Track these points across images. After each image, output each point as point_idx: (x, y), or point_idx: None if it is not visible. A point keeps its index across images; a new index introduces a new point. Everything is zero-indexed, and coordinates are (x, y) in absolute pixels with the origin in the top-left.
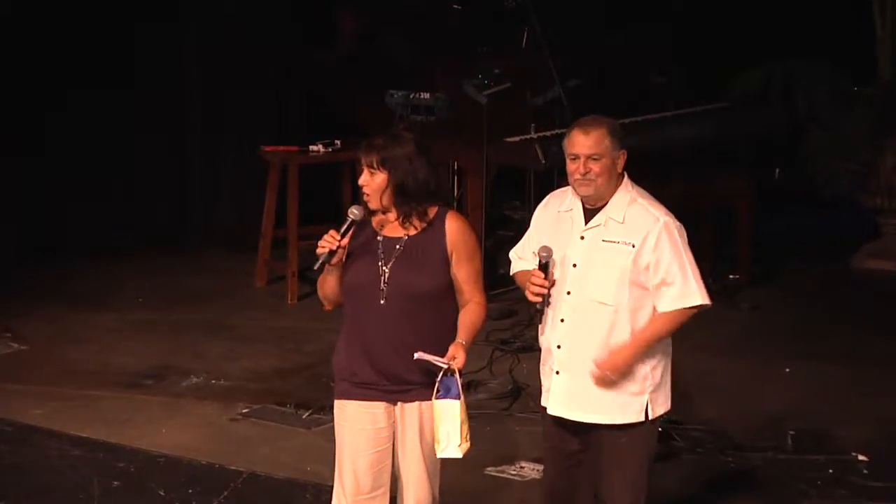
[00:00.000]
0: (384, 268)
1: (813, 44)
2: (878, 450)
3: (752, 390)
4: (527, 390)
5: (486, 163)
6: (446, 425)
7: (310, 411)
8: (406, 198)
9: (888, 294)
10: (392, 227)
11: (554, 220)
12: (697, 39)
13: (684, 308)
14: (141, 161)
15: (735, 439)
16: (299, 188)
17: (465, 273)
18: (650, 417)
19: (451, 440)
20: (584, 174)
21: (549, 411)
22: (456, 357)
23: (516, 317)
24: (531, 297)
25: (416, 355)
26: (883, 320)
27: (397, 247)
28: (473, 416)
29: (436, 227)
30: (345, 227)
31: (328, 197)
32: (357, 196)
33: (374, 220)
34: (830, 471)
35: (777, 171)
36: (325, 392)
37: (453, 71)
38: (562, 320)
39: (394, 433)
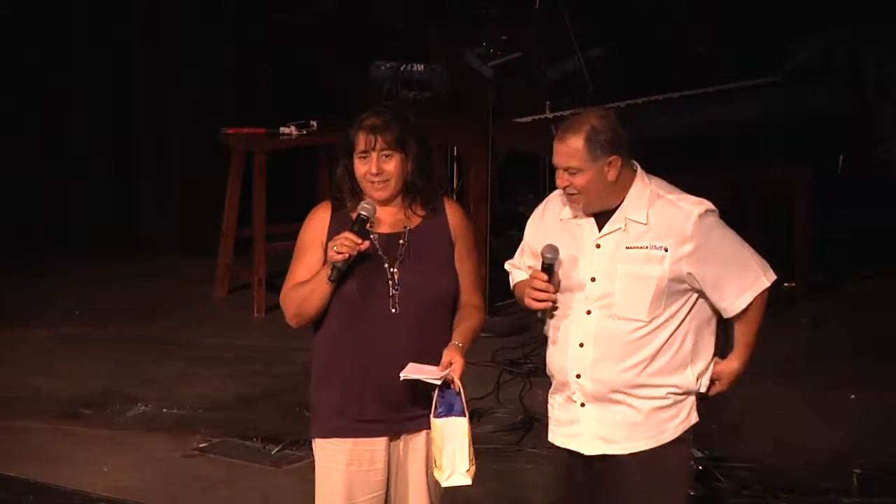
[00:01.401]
0: (391, 270)
1: (881, 4)
2: None
3: (811, 421)
4: (540, 421)
5: (491, 148)
6: (451, 446)
7: (280, 446)
8: (423, 180)
9: None
10: (385, 222)
11: (556, 229)
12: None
13: (758, 295)
14: (76, 148)
15: (790, 479)
16: (268, 178)
17: (465, 269)
18: (693, 421)
19: (458, 464)
20: (565, 188)
21: (578, 449)
22: (452, 363)
23: (527, 333)
24: (534, 305)
25: (402, 374)
26: None
27: (400, 242)
28: (477, 452)
29: (437, 215)
30: (358, 227)
31: (302, 189)
32: (334, 186)
33: None
34: None
35: (841, 158)
36: (297, 423)
37: (453, 38)
38: (580, 345)
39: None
